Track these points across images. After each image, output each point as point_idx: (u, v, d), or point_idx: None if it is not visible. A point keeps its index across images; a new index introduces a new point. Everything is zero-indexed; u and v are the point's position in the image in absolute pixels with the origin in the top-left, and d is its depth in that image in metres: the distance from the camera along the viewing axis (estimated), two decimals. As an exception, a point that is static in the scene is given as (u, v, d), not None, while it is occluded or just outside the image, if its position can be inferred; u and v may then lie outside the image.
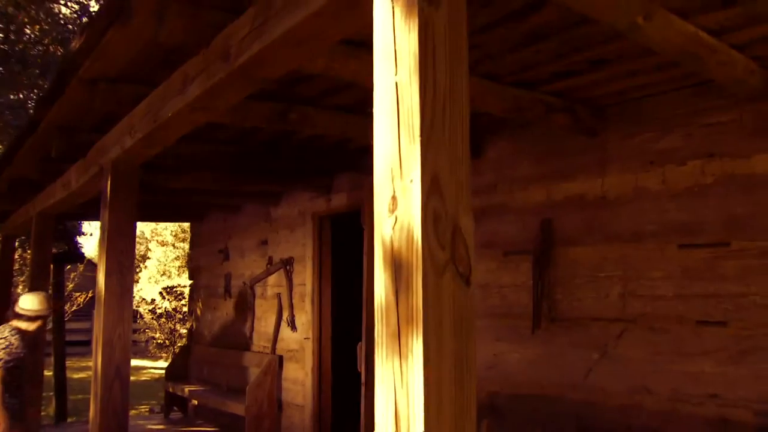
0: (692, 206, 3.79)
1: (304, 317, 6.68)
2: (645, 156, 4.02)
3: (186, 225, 24.30)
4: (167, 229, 27.73)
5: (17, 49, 8.88)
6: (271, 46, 2.24)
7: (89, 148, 4.26)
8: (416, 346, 1.41)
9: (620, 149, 4.15)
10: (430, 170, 1.48)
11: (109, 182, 3.67)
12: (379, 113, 1.62)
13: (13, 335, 4.60)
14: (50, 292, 8.25)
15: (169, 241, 27.14)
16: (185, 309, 16.22)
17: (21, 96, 10.21)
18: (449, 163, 1.53)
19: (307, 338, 6.58)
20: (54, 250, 8.24)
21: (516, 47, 3.24)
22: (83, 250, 10.87)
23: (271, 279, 7.26)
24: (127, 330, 3.63)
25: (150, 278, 26.92)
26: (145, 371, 17.83)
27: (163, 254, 27.70)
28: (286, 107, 3.92)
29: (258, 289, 7.52)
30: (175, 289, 17.21)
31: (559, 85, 3.84)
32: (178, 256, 25.84)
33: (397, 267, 1.49)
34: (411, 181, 1.49)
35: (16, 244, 10.40)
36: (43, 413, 7.55)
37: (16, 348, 4.56)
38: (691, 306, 3.75)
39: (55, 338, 9.50)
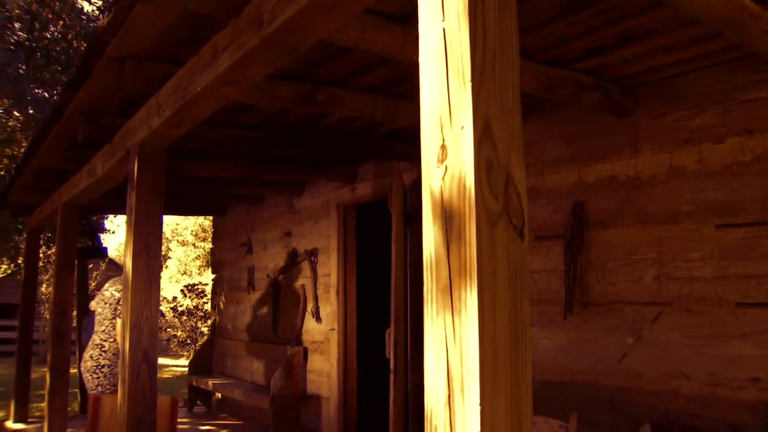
0: (730, 185, 3.68)
1: (329, 308, 6.63)
2: (679, 135, 3.93)
3: (207, 224, 24.44)
4: (187, 229, 27.91)
5: (41, 45, 8.92)
6: (304, 9, 2.18)
7: (115, 133, 4.24)
8: (470, 299, 1.35)
9: (653, 129, 4.05)
10: (482, 117, 1.42)
11: (136, 164, 3.63)
12: (426, 62, 1.55)
13: None
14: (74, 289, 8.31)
15: (190, 241, 27.31)
16: (207, 307, 16.26)
17: (46, 94, 10.26)
18: (500, 111, 1.46)
19: (332, 329, 6.53)
20: (78, 245, 8.25)
21: (550, 20, 3.16)
22: (105, 246, 10.88)
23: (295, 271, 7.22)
24: (155, 313, 3.59)
25: (171, 277, 27.11)
26: (167, 369, 17.89)
27: (183, 254, 27.89)
28: (313, 88, 3.86)
29: (281, 281, 7.49)
30: (196, 287, 17.26)
31: (591, 63, 3.76)
32: (198, 255, 26.00)
33: (448, 218, 1.43)
34: (462, 128, 1.42)
35: (41, 241, 10.47)
36: (68, 408, 7.56)
37: None
38: (731, 287, 3.65)
39: (79, 333, 9.52)
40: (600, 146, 4.32)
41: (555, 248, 4.47)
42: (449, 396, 1.38)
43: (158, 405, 4.26)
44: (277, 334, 7.51)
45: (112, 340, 4.97)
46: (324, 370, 6.67)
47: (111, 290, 5.07)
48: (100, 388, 4.92)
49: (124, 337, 3.58)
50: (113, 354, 4.93)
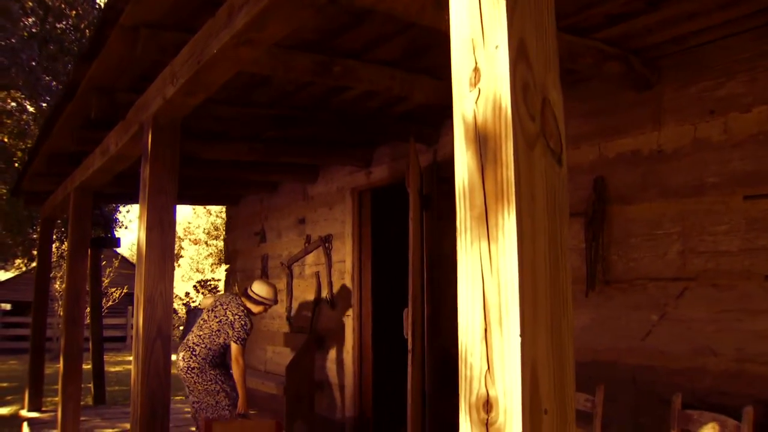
0: (758, 154, 3.57)
1: (344, 294, 6.56)
2: (704, 105, 3.82)
3: (219, 222, 24.46)
4: (199, 228, 27.94)
5: (54, 35, 8.92)
6: (325, -44, 2.12)
7: (128, 109, 4.18)
8: (507, 223, 1.27)
9: (677, 100, 3.95)
10: (517, 35, 1.34)
11: (150, 136, 3.57)
12: (457, -17, 1.47)
13: (246, 315, 5.34)
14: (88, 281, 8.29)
15: (202, 239, 27.33)
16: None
17: (61, 87, 10.25)
18: (535, 31, 1.38)
19: (347, 315, 6.45)
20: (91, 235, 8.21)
21: (573, -19, 3.08)
22: (118, 237, 10.86)
23: (310, 258, 7.16)
24: (169, 288, 3.53)
25: (183, 276, 27.15)
26: (180, 365, 17.82)
27: (196, 252, 27.92)
28: (330, 60, 3.80)
29: (296, 269, 7.42)
30: (209, 283, 17.27)
31: (613, 32, 3.66)
32: (211, 253, 26.01)
33: (482, 142, 1.35)
34: (496, 47, 1.34)
35: (54, 236, 10.46)
36: (81, 403, 7.55)
37: (250, 328, 5.35)
38: (759, 260, 3.54)
39: (93, 325, 9.50)
40: (621, 121, 4.22)
41: (575, 225, 4.38)
42: (486, 330, 1.30)
43: (263, 428, 4.69)
44: (291, 322, 7.45)
45: (203, 345, 5.24)
46: (339, 357, 6.60)
47: (229, 311, 5.35)
48: (198, 385, 5.21)
49: (137, 312, 3.52)
50: (202, 359, 5.22)
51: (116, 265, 20.89)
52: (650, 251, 4.02)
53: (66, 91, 4.22)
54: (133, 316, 3.68)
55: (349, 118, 5.13)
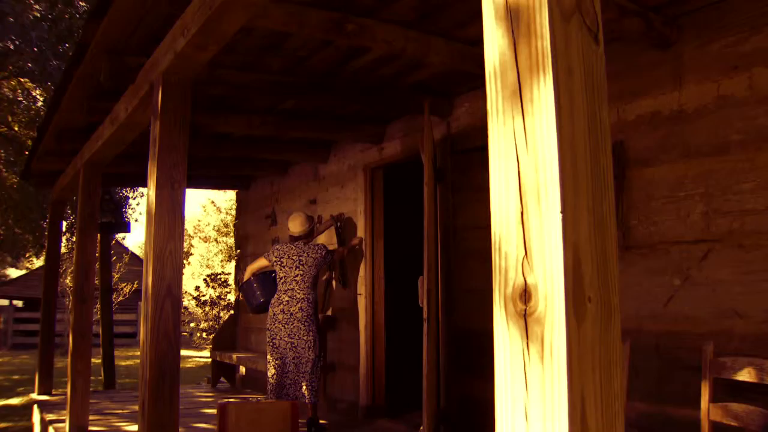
0: (785, 109, 3.47)
1: (356, 273, 6.47)
2: (727, 61, 3.72)
3: (229, 219, 24.41)
4: (209, 225, 27.91)
5: (64, 19, 8.90)
6: None
7: (138, 73, 4.11)
8: (544, 92, 1.18)
9: (698, 58, 3.85)
10: None
11: (160, 93, 3.49)
12: None
13: (316, 243, 5.88)
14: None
15: (212, 236, 27.29)
16: (230, 297, 16.16)
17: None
18: None
19: (360, 294, 6.36)
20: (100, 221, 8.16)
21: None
22: (128, 221, 10.81)
23: (321, 238, 7.07)
24: (179, 246, 3.45)
25: (193, 273, 27.12)
26: (190, 359, 17.92)
27: (206, 250, 27.90)
28: (343, 17, 3.72)
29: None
30: (219, 277, 17.18)
31: (634, -13, 3.57)
32: (220, 250, 25.96)
33: (514, 17, 1.26)
34: None
35: (64, 226, 10.43)
36: (91, 388, 7.49)
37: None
38: (787, 218, 3.44)
39: (103, 312, 9.46)
40: (641, 82, 4.12)
41: (594, 191, 4.27)
42: (522, 212, 1.20)
43: (278, 410, 4.68)
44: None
45: (313, 294, 5.64)
46: (351, 337, 6.51)
47: (310, 254, 5.69)
48: (311, 334, 5.55)
49: (146, 272, 3.45)
50: (314, 305, 5.64)
51: (126, 260, 20.92)
52: (672, 214, 3.91)
53: (75, 54, 4.15)
54: (143, 312, 3.59)
55: (363, 87, 5.04)
